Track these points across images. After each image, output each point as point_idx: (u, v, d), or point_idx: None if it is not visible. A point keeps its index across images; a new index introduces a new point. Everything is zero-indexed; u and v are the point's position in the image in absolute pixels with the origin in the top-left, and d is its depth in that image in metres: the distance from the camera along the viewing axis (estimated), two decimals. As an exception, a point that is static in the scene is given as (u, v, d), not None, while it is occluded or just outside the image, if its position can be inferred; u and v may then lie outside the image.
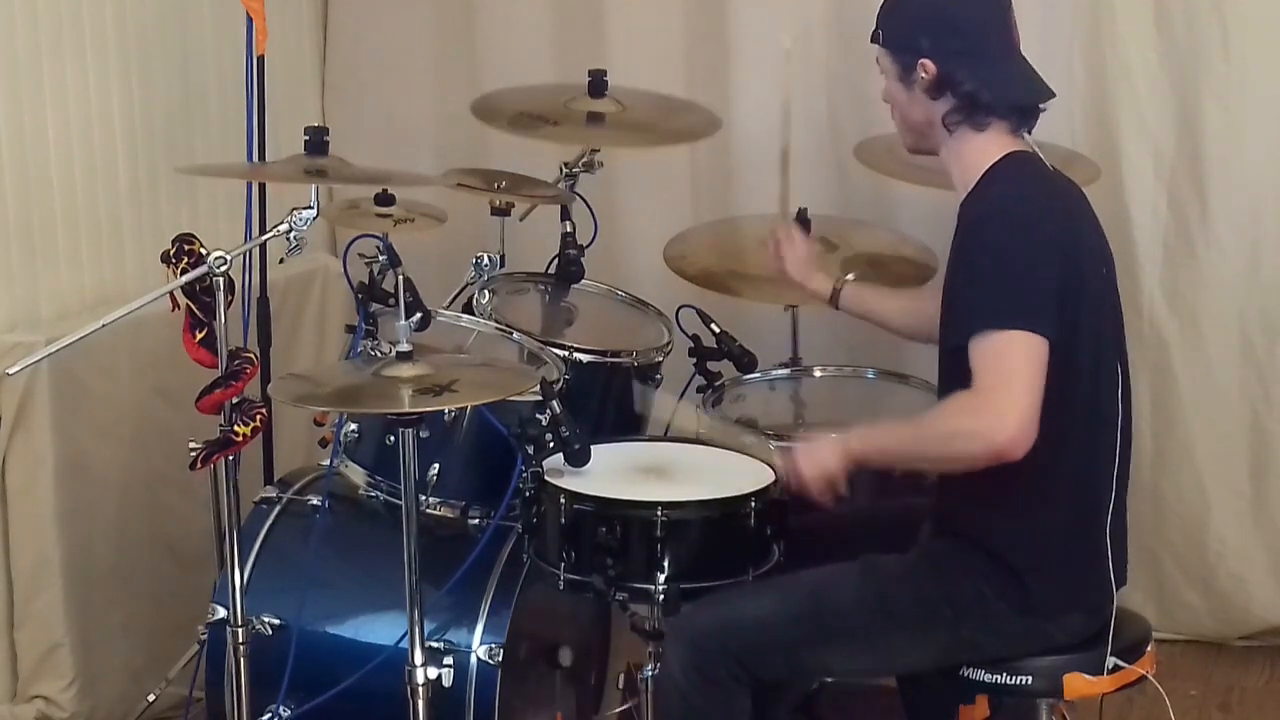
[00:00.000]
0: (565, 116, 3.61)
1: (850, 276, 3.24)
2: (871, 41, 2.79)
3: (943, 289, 2.72)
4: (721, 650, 2.68)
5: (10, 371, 2.79)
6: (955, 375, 2.60)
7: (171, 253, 2.77)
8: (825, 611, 2.71)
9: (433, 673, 2.80)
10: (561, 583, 2.82)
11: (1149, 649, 2.79)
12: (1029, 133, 2.75)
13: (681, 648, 2.71)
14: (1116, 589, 2.71)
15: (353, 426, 3.17)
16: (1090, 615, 2.71)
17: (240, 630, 2.95)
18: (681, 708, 2.71)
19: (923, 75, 2.69)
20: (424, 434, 2.84)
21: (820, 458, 2.73)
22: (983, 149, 2.70)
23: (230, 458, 2.83)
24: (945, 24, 2.71)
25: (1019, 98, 2.73)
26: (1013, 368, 2.52)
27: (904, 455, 2.74)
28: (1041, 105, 2.76)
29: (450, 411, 3.03)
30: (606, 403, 3.28)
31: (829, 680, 3.14)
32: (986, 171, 2.68)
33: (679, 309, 3.44)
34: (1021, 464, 2.57)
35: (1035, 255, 2.58)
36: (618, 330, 3.49)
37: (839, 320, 3.89)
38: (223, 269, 2.74)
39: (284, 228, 2.83)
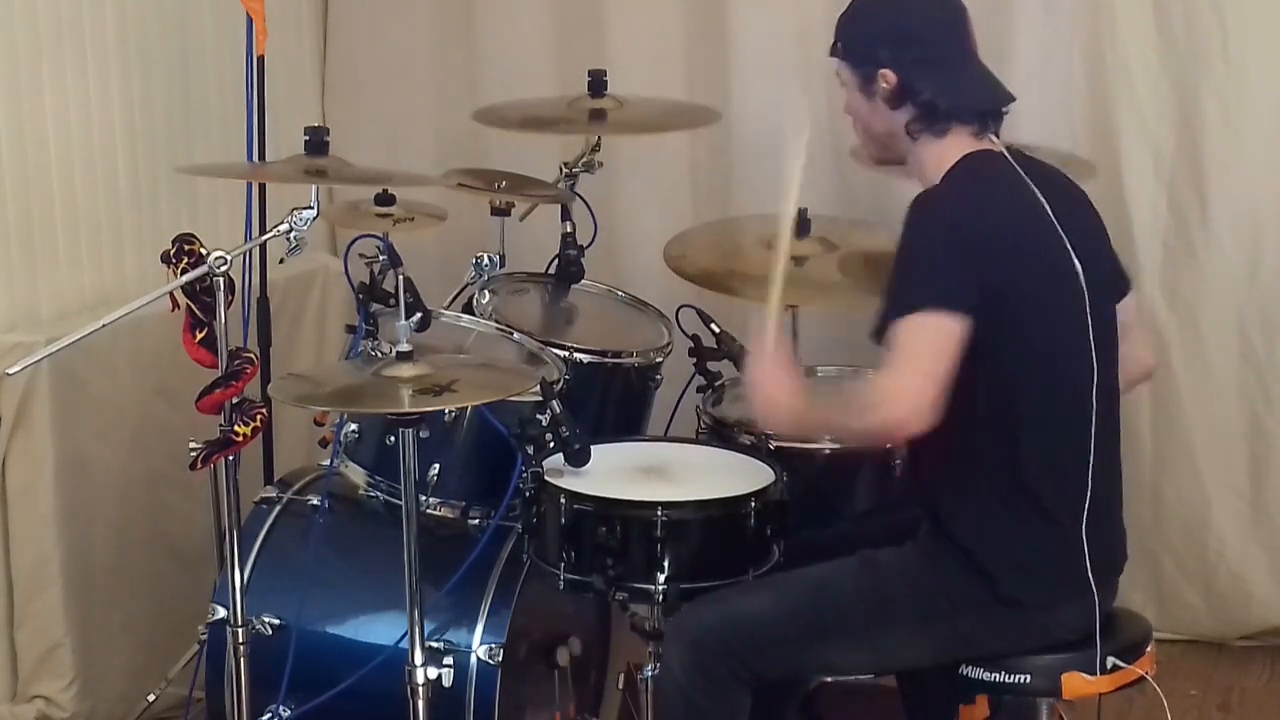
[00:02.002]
0: (567, 117, 3.62)
1: None
2: (831, 55, 2.79)
3: None
4: (722, 648, 2.69)
5: (10, 371, 2.79)
6: None
7: (171, 253, 2.77)
8: (824, 608, 2.72)
9: (433, 673, 2.80)
10: (561, 583, 2.82)
11: (1149, 649, 2.79)
12: (996, 135, 2.75)
13: (682, 647, 2.71)
14: (1099, 586, 2.69)
15: (353, 426, 3.17)
16: (1083, 610, 2.70)
17: (240, 630, 2.95)
18: (682, 706, 2.71)
19: (883, 85, 2.71)
20: (424, 434, 2.84)
21: (773, 402, 2.70)
22: (943, 153, 2.71)
23: (230, 458, 2.82)
24: (904, 34, 2.72)
25: (978, 103, 2.74)
26: (911, 349, 2.56)
27: (828, 424, 2.91)
28: (1003, 109, 2.77)
29: (450, 411, 3.03)
30: (606, 403, 3.28)
31: (829, 680, 3.14)
32: (945, 174, 2.69)
33: (679, 309, 3.44)
34: (989, 461, 2.65)
35: (946, 242, 2.60)
36: (618, 330, 3.49)
37: (839, 320, 3.90)
38: (223, 269, 2.74)
39: (284, 228, 2.83)
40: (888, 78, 2.70)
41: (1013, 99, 2.78)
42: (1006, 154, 2.73)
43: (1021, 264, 2.64)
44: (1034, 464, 2.66)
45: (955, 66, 2.74)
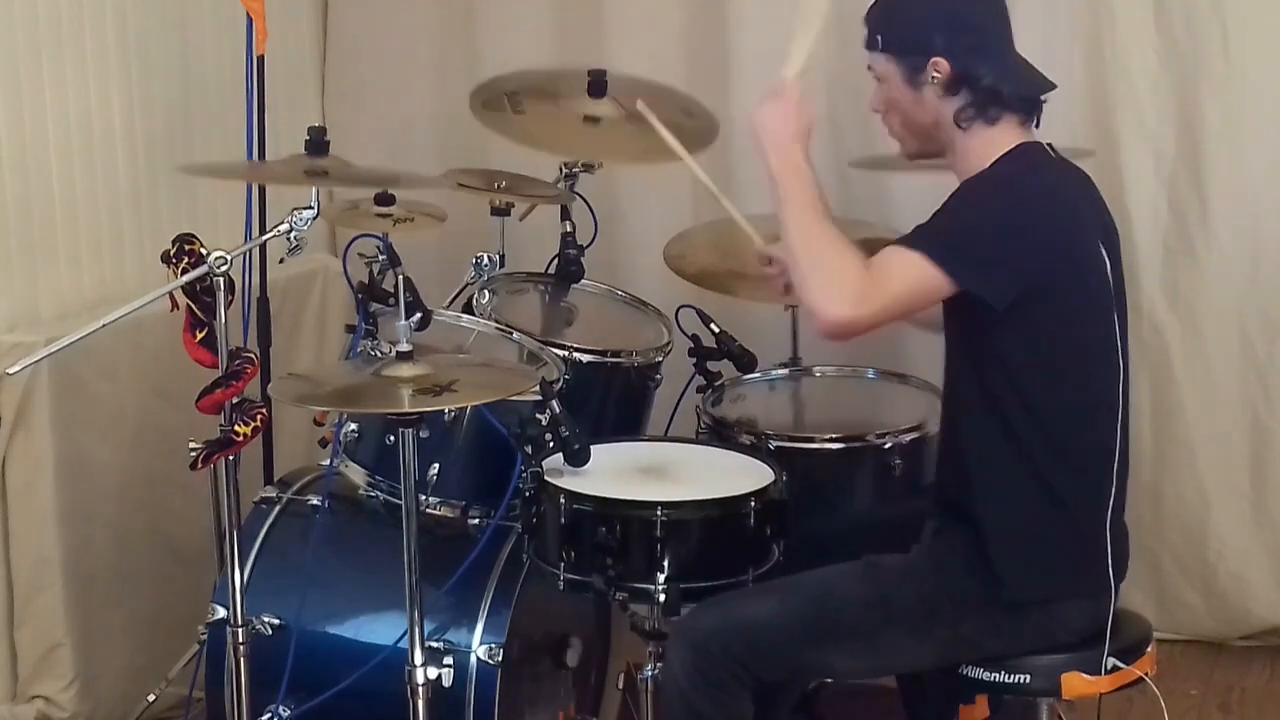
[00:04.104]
0: (563, 112, 3.62)
1: None
2: (869, 49, 2.78)
3: None
4: (724, 652, 2.68)
5: (10, 371, 2.79)
6: (954, 365, 2.67)
7: (172, 253, 2.77)
8: (828, 613, 2.72)
9: (432, 673, 2.80)
10: (561, 583, 2.82)
11: (1149, 649, 2.79)
12: (1036, 126, 2.77)
13: (684, 650, 2.71)
14: (1115, 584, 2.71)
15: (353, 426, 3.17)
16: (1090, 612, 2.71)
17: (240, 630, 2.95)
18: (684, 710, 2.71)
19: (935, 74, 2.70)
20: (424, 434, 2.84)
21: (773, 128, 2.72)
22: (992, 141, 2.71)
23: (230, 458, 2.82)
24: (956, 21, 2.72)
25: (1028, 89, 2.75)
26: (893, 276, 2.61)
27: (792, 234, 2.68)
28: (1043, 98, 2.78)
29: (450, 411, 3.03)
30: (606, 403, 3.28)
31: (829, 680, 3.14)
32: (998, 160, 2.69)
33: (679, 309, 3.44)
34: (1018, 459, 2.63)
35: (999, 226, 2.61)
36: (618, 330, 3.49)
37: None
38: (223, 269, 2.74)
39: (284, 228, 2.83)
40: (940, 66, 2.69)
41: (1053, 86, 2.78)
42: (1050, 150, 2.74)
43: (1071, 257, 2.65)
44: (1066, 460, 2.67)
45: (1004, 54, 2.74)
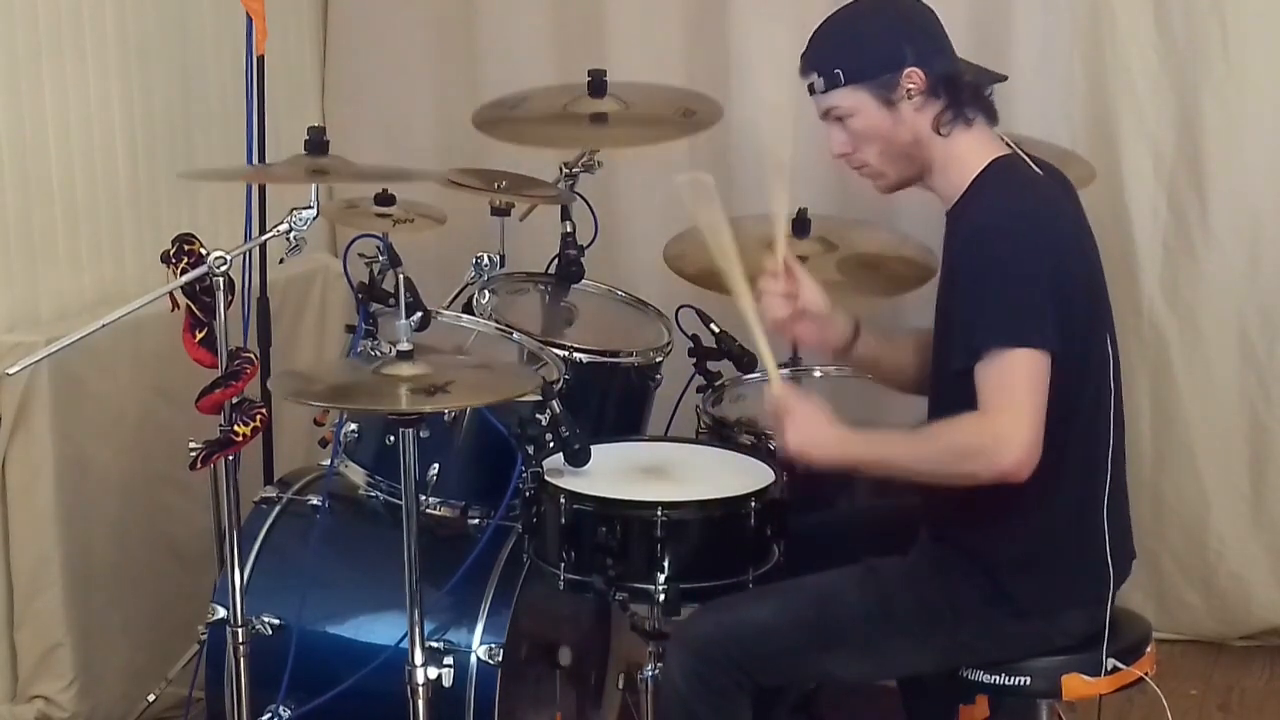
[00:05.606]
0: (566, 119, 3.62)
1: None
2: (827, 89, 2.71)
3: (936, 307, 2.71)
4: (724, 658, 2.68)
5: (10, 371, 2.79)
6: (957, 397, 2.56)
7: (171, 253, 2.77)
8: (827, 618, 2.71)
9: (433, 673, 2.80)
10: (561, 583, 2.82)
11: (1149, 649, 2.79)
12: (996, 123, 2.75)
13: (684, 655, 2.70)
14: (1116, 577, 2.70)
15: (353, 426, 3.17)
16: (1089, 614, 2.71)
17: (240, 630, 2.95)
18: (683, 715, 2.70)
19: (910, 85, 2.66)
20: (424, 434, 2.84)
21: (813, 440, 2.66)
22: (970, 151, 2.68)
23: (230, 457, 2.83)
24: (916, 29, 2.70)
25: (989, 79, 2.74)
26: (1019, 388, 2.50)
27: (903, 468, 2.66)
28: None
29: (450, 412, 3.03)
30: (606, 403, 3.28)
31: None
32: (974, 180, 2.67)
33: (679, 309, 3.44)
34: None
35: (1032, 268, 2.55)
36: (618, 330, 3.49)
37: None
38: (223, 269, 2.74)
39: (284, 228, 2.83)
40: (914, 76, 2.66)
41: (1004, 77, 2.78)
42: (1025, 157, 2.71)
43: (1071, 271, 2.62)
44: (1069, 468, 2.64)
45: (955, 52, 2.73)
